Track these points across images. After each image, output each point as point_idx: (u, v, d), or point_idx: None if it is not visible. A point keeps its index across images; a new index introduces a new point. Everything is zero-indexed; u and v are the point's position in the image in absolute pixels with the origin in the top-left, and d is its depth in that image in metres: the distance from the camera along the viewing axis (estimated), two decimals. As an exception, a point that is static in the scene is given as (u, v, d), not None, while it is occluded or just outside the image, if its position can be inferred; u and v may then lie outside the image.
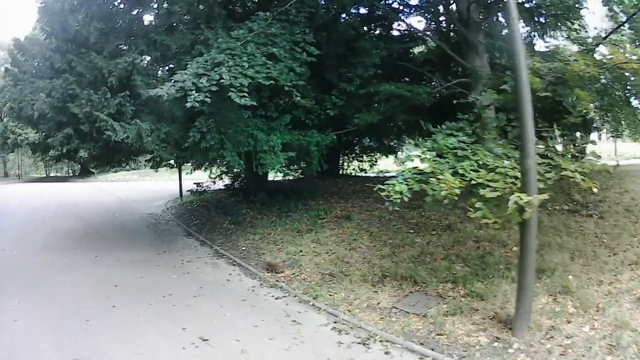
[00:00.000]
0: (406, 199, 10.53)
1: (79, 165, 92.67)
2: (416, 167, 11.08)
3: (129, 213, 29.64)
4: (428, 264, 13.78)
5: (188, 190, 29.07)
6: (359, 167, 29.48)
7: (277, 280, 14.65)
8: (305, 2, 18.02)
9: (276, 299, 13.48)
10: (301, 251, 16.57)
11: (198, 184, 27.74)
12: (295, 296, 13.49)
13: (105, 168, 32.97)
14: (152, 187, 47.44)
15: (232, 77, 14.86)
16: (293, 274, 15.08)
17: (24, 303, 13.04)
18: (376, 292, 12.97)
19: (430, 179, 10.36)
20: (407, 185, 10.54)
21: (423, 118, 17.18)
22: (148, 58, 20.09)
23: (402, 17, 24.05)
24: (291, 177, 27.08)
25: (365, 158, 29.94)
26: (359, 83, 19.59)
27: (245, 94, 14.87)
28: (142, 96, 17.67)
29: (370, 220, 18.12)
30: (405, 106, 19.68)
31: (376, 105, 20.92)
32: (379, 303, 12.38)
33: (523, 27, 20.94)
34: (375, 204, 19.25)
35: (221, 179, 27.57)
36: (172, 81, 14.74)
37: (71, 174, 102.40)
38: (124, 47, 20.34)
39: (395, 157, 26.71)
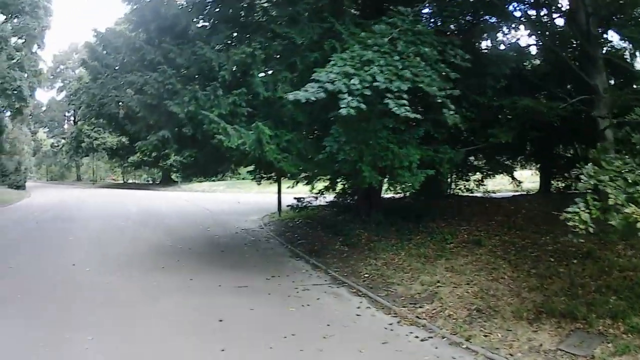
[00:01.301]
0: (591, 230, 9.70)
1: (161, 173, 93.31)
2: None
3: (221, 227, 28.67)
4: (581, 297, 12.61)
5: (288, 206, 27.92)
6: (464, 186, 28.17)
7: (417, 317, 12.94)
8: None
9: (422, 340, 11.80)
10: (438, 281, 14.99)
11: (299, 199, 26.57)
12: (443, 337, 11.84)
13: (200, 178, 31.90)
14: (242, 199, 47.02)
15: (387, 79, 13.04)
16: (434, 309, 13.35)
17: (100, 341, 11.34)
18: (535, 331, 11.65)
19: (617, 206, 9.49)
20: (590, 213, 9.54)
21: (551, 136, 18.39)
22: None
23: (510, 31, 22.94)
24: (394, 195, 25.87)
25: (471, 176, 28.50)
26: (490, 95, 18.37)
27: (405, 103, 12.90)
28: (260, 96, 16.42)
29: (503, 246, 16.89)
30: (534, 123, 18.73)
31: (506, 120, 19.66)
32: (541, 345, 11.09)
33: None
34: (502, 227, 18.54)
35: (322, 194, 26.49)
36: (316, 81, 13.00)
37: (151, 182, 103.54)
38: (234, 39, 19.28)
39: (512, 177, 26.36)
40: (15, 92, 51.33)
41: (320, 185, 26.01)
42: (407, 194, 21.88)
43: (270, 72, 17.77)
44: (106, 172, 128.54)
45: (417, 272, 16.10)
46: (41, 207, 43.54)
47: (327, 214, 26.32)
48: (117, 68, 20.31)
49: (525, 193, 26.81)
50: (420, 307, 13.62)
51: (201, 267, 18.77)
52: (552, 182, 26.38)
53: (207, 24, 20.15)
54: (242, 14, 19.65)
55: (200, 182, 71.15)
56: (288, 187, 28.78)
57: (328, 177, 22.74)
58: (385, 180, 19.06)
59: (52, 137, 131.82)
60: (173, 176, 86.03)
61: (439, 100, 13.65)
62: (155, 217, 34.23)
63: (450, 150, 17.91)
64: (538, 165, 27.48)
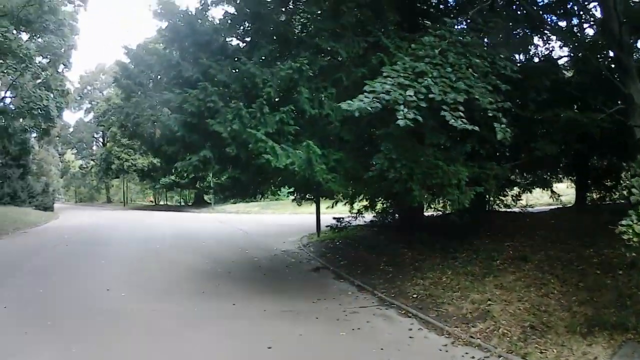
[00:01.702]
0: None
1: (193, 194, 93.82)
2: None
3: (260, 249, 28.36)
4: (630, 308, 12.60)
5: (327, 226, 27.69)
6: (502, 202, 27.73)
7: (471, 337, 12.69)
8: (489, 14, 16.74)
9: None
10: (489, 299, 14.62)
11: (339, 219, 26.47)
12: (499, 356, 11.66)
13: (236, 199, 31.74)
14: (278, 220, 47.21)
15: (441, 91, 12.71)
16: (487, 327, 13.04)
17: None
18: (589, 344, 11.57)
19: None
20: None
21: (587, 147, 17.96)
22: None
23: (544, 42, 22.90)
24: (433, 213, 25.52)
25: (508, 192, 28.15)
26: (532, 108, 18.12)
27: (462, 115, 12.52)
28: (306, 114, 16.13)
29: (549, 261, 16.57)
30: (574, 135, 18.39)
31: (547, 133, 19.40)
32: (596, 358, 11.07)
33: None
34: (545, 242, 18.16)
35: (361, 214, 26.39)
36: (370, 92, 12.49)
37: (183, 204, 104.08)
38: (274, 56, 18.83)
39: (551, 190, 26.18)
40: (42, 112, 51.02)
41: (358, 204, 25.97)
42: (450, 211, 21.49)
43: (315, 88, 17.20)
44: (137, 193, 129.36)
45: (467, 290, 15.74)
46: (71, 230, 43.39)
47: (367, 234, 26.07)
48: (150, 86, 20.18)
49: (561, 206, 26.49)
50: (473, 326, 13.37)
51: (243, 291, 18.44)
52: (588, 194, 26.06)
53: (242, 41, 20.09)
54: (282, 30, 19.22)
55: (234, 203, 71.52)
56: (327, 208, 28.16)
57: (369, 196, 22.61)
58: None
59: (80, 158, 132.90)
60: (206, 197, 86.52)
61: (490, 114, 13.31)
62: (191, 239, 34.00)
63: (496, 167, 17.63)
64: (573, 178, 27.17)
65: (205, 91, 16.42)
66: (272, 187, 25.09)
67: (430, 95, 12.53)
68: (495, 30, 17.04)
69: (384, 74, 13.14)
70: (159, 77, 19.99)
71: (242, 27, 19.68)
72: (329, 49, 17.13)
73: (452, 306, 14.97)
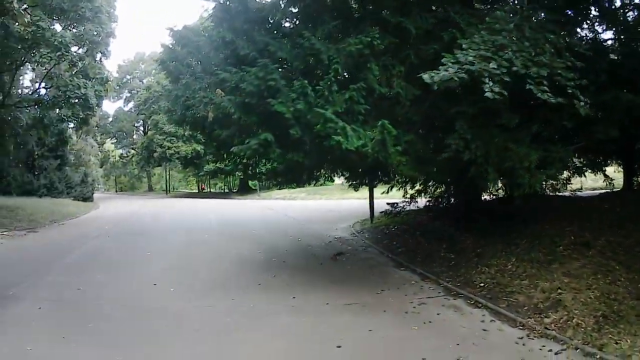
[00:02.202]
0: None
1: (238, 181, 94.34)
2: None
3: (312, 237, 27.88)
4: None
5: (381, 212, 27.49)
6: (553, 185, 27.00)
7: (546, 328, 12.14)
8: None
9: (556, 353, 11.11)
10: (559, 288, 13.95)
11: (392, 204, 26.04)
12: (576, 348, 11.13)
13: (286, 186, 31.24)
14: (326, 206, 47.46)
15: (523, 65, 12.35)
16: (561, 318, 12.42)
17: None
18: (662, 333, 11.08)
19: None
20: None
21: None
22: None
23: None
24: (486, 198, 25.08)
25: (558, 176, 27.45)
26: (592, 90, 17.47)
27: (546, 89, 12.22)
28: (375, 92, 15.34)
29: (611, 247, 15.96)
30: (632, 118, 17.71)
31: (606, 116, 18.81)
32: (670, 346, 10.53)
33: None
34: (603, 227, 17.48)
35: (414, 199, 26.09)
36: (454, 62, 12.21)
37: (227, 190, 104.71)
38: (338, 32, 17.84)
39: (604, 174, 26.10)
40: (80, 100, 51.43)
41: (412, 190, 25.84)
42: (511, 195, 20.89)
43: (383, 66, 16.26)
44: (179, 181, 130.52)
45: (534, 278, 15.10)
46: (112, 220, 43.43)
47: (422, 220, 25.46)
48: (199, 68, 19.54)
49: (609, 191, 25.96)
50: (546, 316, 12.80)
51: (301, 283, 17.78)
52: (634, 178, 25.31)
53: (300, 17, 19.33)
54: (343, 5, 18.46)
55: (280, 189, 71.74)
56: (382, 193, 27.64)
57: (435, 180, 22.47)
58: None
59: (120, 147, 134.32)
60: (251, 184, 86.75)
61: (570, 91, 12.90)
62: (240, 227, 33.71)
63: (562, 150, 17.01)
64: (621, 162, 26.43)
65: (266, 69, 15.66)
66: (337, 171, 24.33)
67: (514, 68, 12.23)
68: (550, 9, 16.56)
69: (464, 46, 12.83)
70: (208, 57, 19.20)
71: (301, 3, 18.55)
72: (395, 25, 16.23)
73: (522, 295, 14.39)
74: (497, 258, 17.32)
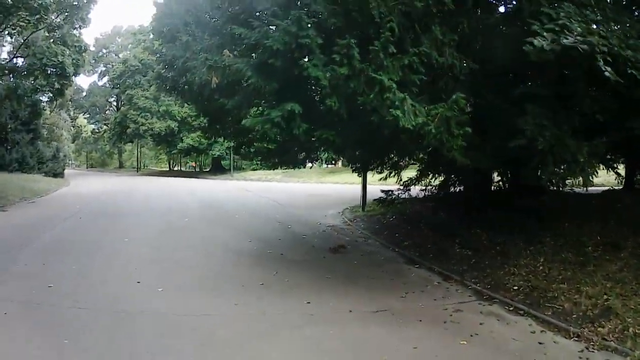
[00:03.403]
0: None
1: (211, 160, 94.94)
2: None
3: (302, 224, 26.28)
4: None
5: (375, 200, 25.70)
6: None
7: (604, 339, 10.83)
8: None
9: None
10: (605, 293, 12.55)
11: (387, 192, 24.19)
12: None
13: (289, 167, 29.63)
14: (306, 189, 47.41)
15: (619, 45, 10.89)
16: (616, 327, 11.11)
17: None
18: None
19: None
20: None
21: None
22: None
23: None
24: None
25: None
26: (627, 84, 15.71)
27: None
28: (433, 61, 12.85)
29: (641, 248, 14.65)
30: None
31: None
32: None
33: None
34: (624, 227, 16.13)
35: (408, 187, 24.32)
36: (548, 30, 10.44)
37: (197, 170, 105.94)
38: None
39: (615, 171, 24.29)
40: (57, 69, 50.25)
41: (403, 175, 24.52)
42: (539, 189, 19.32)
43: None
44: (150, 159, 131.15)
45: (574, 282, 13.54)
46: (83, 198, 42.02)
47: (422, 210, 23.80)
48: (199, 27, 17.38)
49: (610, 188, 24.47)
50: (600, 326, 11.32)
51: (309, 282, 15.48)
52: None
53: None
54: None
55: (254, 169, 70.98)
56: (380, 180, 25.75)
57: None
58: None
59: (93, 123, 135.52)
60: (223, 163, 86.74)
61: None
62: (220, 211, 32.64)
63: (594, 143, 15.23)
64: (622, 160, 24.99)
65: (299, 23, 12.94)
66: (388, 154, 22.03)
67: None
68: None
69: (554, 16, 11.05)
70: (209, 15, 17.34)
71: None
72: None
73: (567, 302, 12.66)
74: (523, 257, 15.72)
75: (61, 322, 11.53)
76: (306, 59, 13.20)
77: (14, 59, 53.13)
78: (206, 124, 23.48)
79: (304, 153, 21.12)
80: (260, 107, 16.00)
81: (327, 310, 12.80)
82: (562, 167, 13.89)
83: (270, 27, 13.81)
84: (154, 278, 15.59)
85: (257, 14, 15.46)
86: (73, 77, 57.44)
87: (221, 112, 18.02)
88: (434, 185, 24.14)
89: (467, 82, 13.17)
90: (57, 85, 54.60)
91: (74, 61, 52.75)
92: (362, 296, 14.07)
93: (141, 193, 47.29)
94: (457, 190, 23.18)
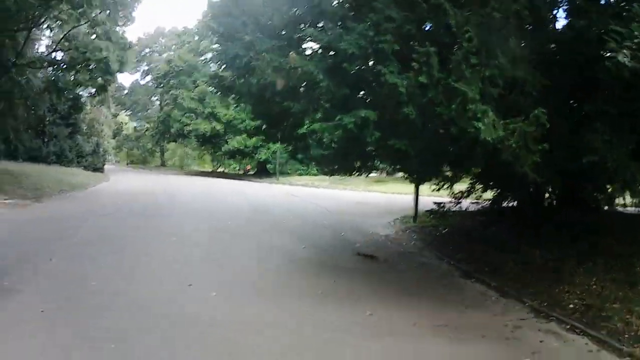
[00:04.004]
0: None
1: (256, 163, 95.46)
2: None
3: (355, 232, 26.14)
4: None
5: (427, 211, 25.38)
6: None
7: None
8: None
9: None
10: None
11: (439, 204, 24.14)
12: None
13: (346, 174, 29.38)
14: (354, 197, 47.27)
15: None
16: None
17: None
18: None
19: None
20: None
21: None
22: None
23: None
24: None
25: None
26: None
27: None
28: (507, 74, 12.89)
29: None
30: None
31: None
32: None
33: None
34: None
35: (458, 200, 24.26)
36: None
37: (241, 172, 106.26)
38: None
39: None
40: (101, 64, 50.26)
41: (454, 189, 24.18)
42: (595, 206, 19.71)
43: None
44: (193, 159, 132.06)
45: (626, 302, 13.63)
46: (124, 195, 42.19)
47: (474, 224, 24.02)
48: (258, 28, 17.03)
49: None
50: None
51: (369, 293, 15.23)
52: None
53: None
54: None
55: (300, 175, 71.14)
56: (433, 190, 25.27)
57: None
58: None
59: (135, 120, 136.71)
60: (269, 167, 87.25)
61: None
62: (269, 215, 32.57)
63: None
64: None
65: (378, 27, 12.95)
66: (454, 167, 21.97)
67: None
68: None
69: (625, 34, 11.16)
70: (268, 17, 17.03)
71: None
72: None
73: (620, 321, 12.68)
74: (578, 276, 15.76)
75: (107, 324, 11.01)
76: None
77: (53, 53, 52.99)
78: (262, 128, 23.41)
79: (360, 161, 20.90)
80: (324, 112, 15.79)
81: (390, 323, 12.61)
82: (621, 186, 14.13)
83: (348, 27, 13.75)
84: (206, 281, 15.14)
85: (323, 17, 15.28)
86: (117, 73, 57.34)
87: (281, 116, 17.95)
88: (485, 199, 24.14)
89: (537, 97, 13.17)
90: (100, 81, 54.72)
91: (119, 58, 52.62)
92: (423, 309, 14.00)
93: (186, 192, 47.27)
94: (509, 204, 23.28)
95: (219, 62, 19.84)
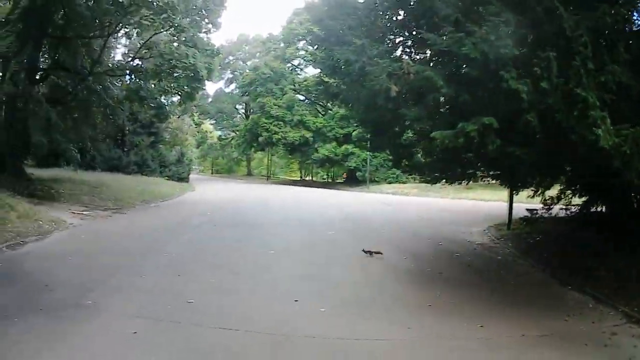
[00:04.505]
0: None
1: (346, 172, 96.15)
2: None
3: (451, 241, 26.42)
4: None
5: (520, 217, 25.83)
6: None
7: None
8: None
9: None
10: None
11: (532, 211, 24.13)
12: None
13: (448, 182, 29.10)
14: (445, 205, 47.51)
15: None
16: None
17: None
18: None
19: None
20: None
21: None
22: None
23: None
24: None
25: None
26: None
27: None
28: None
29: None
30: None
31: None
32: None
33: None
34: None
35: (549, 206, 24.13)
36: None
37: (330, 180, 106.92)
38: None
39: None
40: (189, 71, 49.78)
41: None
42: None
43: None
44: (281, 168, 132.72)
45: None
46: (213, 205, 42.35)
47: (566, 229, 23.49)
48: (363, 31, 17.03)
49: None
50: None
51: (474, 304, 15.10)
52: None
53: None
54: None
55: (390, 182, 71.24)
56: (528, 197, 25.90)
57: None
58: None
59: (219, 129, 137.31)
60: (358, 175, 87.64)
61: None
62: (365, 224, 32.40)
63: None
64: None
65: (497, 31, 12.75)
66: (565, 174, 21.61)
67: None
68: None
69: None
70: (370, 20, 17.28)
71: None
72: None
73: None
74: None
75: (210, 346, 10.83)
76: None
77: (134, 59, 52.52)
78: (368, 136, 23.18)
79: (462, 169, 20.95)
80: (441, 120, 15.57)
81: (501, 335, 12.53)
82: None
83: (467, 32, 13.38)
84: (312, 296, 14.80)
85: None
86: (206, 81, 56.66)
87: (390, 123, 17.95)
88: (574, 205, 24.11)
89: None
90: (187, 89, 54.20)
91: (206, 65, 52.28)
92: (528, 319, 13.83)
93: (276, 202, 47.19)
94: (600, 209, 23.18)
95: (321, 68, 19.80)
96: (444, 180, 23.64)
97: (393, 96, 14.88)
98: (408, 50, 17.40)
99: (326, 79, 19.47)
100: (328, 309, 13.54)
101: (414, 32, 15.80)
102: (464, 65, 13.65)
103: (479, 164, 20.23)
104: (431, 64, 14.96)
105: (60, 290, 13.95)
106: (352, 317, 13.06)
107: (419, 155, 21.24)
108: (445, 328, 12.65)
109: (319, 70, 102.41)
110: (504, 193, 26.03)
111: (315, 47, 22.27)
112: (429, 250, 23.63)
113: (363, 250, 21.11)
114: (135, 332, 11.02)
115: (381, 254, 21.14)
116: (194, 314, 12.61)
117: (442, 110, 15.78)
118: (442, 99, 14.98)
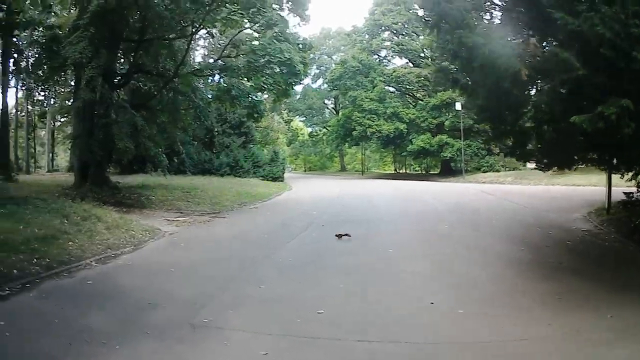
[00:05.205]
0: None
1: (440, 163, 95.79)
2: None
3: (557, 228, 26.13)
4: None
5: (618, 202, 26.33)
6: None
7: None
8: None
9: None
10: None
11: (629, 194, 24.85)
12: None
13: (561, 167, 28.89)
14: (540, 192, 46.84)
15: None
16: None
17: None
18: None
19: None
20: None
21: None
22: None
23: None
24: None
25: None
26: None
27: None
28: None
29: None
30: None
31: None
32: None
33: None
34: None
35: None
36: None
37: (424, 172, 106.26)
38: None
39: None
40: (283, 68, 50.01)
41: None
42: None
43: None
44: (374, 162, 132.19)
45: None
46: (313, 203, 41.53)
47: None
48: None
49: None
50: None
51: (600, 294, 14.46)
52: None
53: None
54: None
55: (484, 172, 71.57)
56: (627, 181, 25.30)
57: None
58: None
59: (310, 125, 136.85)
60: (452, 165, 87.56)
61: None
62: (474, 216, 32.01)
63: None
64: None
65: (626, 10, 12.83)
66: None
67: None
68: None
69: None
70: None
71: None
72: None
73: None
74: None
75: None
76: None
77: (220, 59, 52.10)
78: (489, 127, 23.21)
79: (576, 154, 20.62)
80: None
81: (632, 325, 11.78)
82: None
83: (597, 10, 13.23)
84: (445, 297, 14.32)
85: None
86: (303, 76, 56.20)
87: (513, 108, 17.62)
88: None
89: None
90: (282, 85, 52.87)
91: (301, 59, 51.48)
92: None
93: (378, 196, 46.08)
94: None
95: (444, 54, 20.32)
96: (559, 166, 23.56)
97: (523, 80, 15.14)
98: (526, 30, 16.94)
99: (444, 65, 19.51)
100: (465, 310, 13.07)
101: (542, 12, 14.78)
102: (599, 46, 13.20)
103: (593, 148, 19.94)
104: (557, 45, 14.80)
105: (167, 307, 13.37)
106: (491, 317, 12.72)
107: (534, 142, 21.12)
108: (579, 321, 12.28)
109: (406, 61, 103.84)
110: (595, 177, 26.02)
111: (428, 32, 22.58)
112: (541, 239, 23.14)
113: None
114: (266, 354, 10.27)
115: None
116: (330, 327, 11.99)
117: (572, 93, 15.05)
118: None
